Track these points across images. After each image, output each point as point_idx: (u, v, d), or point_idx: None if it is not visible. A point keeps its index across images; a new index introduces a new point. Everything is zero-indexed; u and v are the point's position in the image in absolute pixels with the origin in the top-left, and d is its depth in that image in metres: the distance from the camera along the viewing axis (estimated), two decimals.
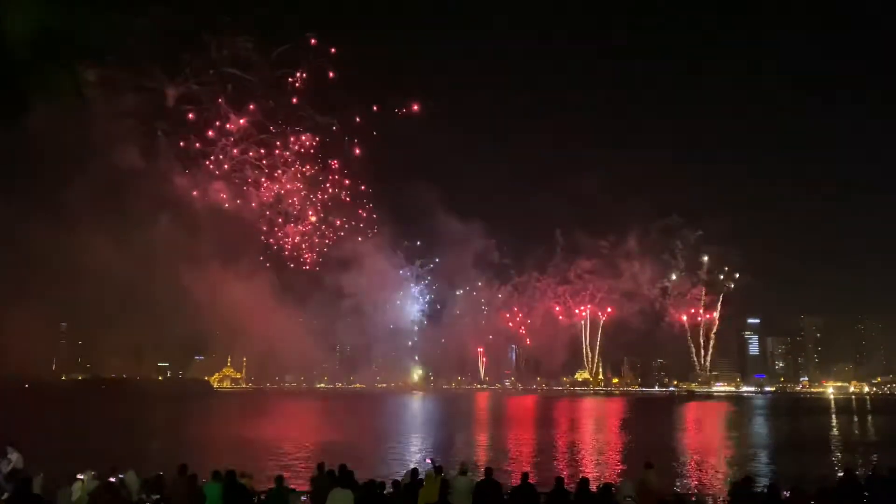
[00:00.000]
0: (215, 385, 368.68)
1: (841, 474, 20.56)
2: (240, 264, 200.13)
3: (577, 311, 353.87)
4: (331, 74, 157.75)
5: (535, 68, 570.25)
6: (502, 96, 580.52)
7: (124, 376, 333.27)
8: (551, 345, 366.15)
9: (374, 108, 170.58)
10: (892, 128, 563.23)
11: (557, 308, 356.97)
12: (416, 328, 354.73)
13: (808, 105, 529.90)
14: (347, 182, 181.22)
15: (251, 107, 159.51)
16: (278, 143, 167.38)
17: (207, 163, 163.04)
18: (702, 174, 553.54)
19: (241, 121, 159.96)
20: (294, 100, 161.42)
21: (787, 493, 17.87)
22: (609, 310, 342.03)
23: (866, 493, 18.57)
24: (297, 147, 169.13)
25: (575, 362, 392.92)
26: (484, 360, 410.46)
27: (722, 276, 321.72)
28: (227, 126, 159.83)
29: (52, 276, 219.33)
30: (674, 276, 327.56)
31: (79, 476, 19.81)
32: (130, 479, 20.48)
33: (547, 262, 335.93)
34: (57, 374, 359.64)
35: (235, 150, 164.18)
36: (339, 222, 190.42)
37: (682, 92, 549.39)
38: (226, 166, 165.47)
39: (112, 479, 19.45)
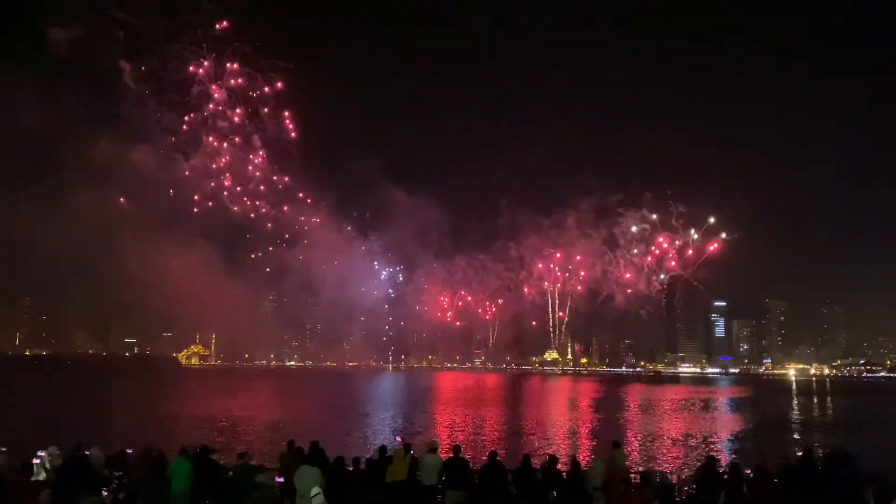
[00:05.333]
0: (183, 362, 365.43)
1: (800, 454, 20.98)
2: (182, 234, 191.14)
3: (524, 290, 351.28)
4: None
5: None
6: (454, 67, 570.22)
7: (90, 352, 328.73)
8: (504, 323, 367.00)
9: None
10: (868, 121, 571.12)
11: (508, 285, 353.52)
12: (385, 306, 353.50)
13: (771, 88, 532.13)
14: (295, 143, 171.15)
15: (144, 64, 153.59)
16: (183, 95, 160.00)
17: (126, 122, 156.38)
18: (663, 151, 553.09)
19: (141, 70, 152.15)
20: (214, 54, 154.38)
21: (750, 473, 18.21)
22: (558, 287, 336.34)
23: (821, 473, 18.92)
24: (216, 103, 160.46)
25: (534, 340, 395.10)
26: (452, 338, 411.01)
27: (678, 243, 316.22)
28: (126, 80, 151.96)
29: (6, 250, 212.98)
30: (619, 257, 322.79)
31: (40, 452, 19.43)
32: (95, 455, 20.15)
33: (492, 240, 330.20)
34: (21, 349, 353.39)
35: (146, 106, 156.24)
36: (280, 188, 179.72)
37: (637, 63, 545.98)
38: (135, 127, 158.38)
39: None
